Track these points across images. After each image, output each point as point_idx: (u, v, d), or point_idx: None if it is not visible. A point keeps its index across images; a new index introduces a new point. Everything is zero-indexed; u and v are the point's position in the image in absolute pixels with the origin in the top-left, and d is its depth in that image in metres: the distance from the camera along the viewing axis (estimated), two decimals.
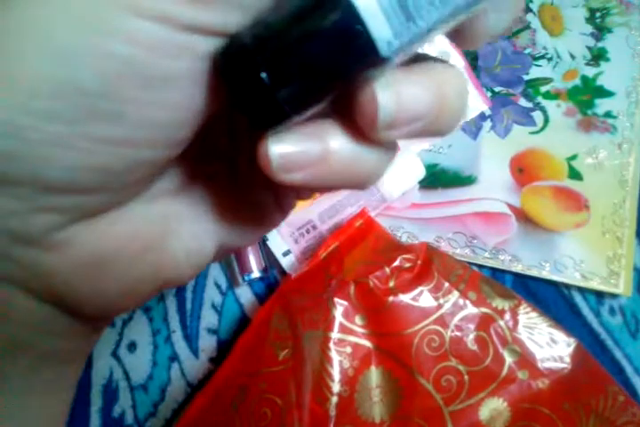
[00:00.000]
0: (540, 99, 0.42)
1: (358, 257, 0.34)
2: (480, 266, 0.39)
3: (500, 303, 0.33)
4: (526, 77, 0.43)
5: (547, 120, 0.42)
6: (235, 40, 0.11)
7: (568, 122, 0.42)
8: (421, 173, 0.40)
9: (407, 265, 0.33)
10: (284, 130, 0.11)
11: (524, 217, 0.40)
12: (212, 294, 0.40)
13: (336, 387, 0.30)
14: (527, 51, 0.43)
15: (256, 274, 0.38)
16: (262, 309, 0.35)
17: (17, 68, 0.10)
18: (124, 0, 0.10)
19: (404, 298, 0.32)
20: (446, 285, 0.32)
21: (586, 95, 0.42)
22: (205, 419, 0.33)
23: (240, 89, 0.11)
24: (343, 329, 0.31)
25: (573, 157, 0.41)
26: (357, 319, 0.32)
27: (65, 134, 0.10)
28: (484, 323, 0.32)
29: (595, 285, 0.38)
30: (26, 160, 0.10)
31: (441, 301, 0.32)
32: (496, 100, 0.42)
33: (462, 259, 0.38)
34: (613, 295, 0.38)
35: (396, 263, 0.33)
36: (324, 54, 0.10)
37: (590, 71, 0.42)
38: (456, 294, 0.32)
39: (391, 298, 0.32)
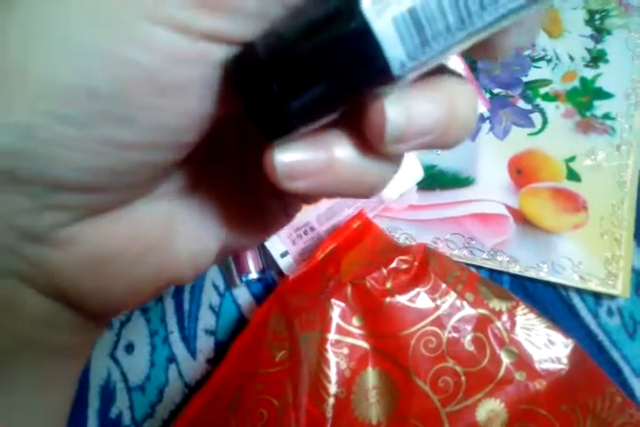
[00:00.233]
0: (538, 100, 0.42)
1: (355, 258, 0.34)
2: (478, 267, 0.39)
3: (497, 304, 0.33)
4: (525, 79, 0.43)
5: (545, 122, 0.42)
6: (247, 49, 0.11)
7: (567, 123, 0.42)
8: (419, 174, 0.40)
9: (404, 266, 0.33)
10: (291, 139, 0.12)
11: (522, 218, 0.40)
12: (209, 295, 0.40)
13: (333, 388, 0.30)
14: (526, 52, 0.43)
15: (254, 275, 0.38)
16: (260, 310, 0.35)
17: (32, 68, 0.10)
18: (142, 7, 0.10)
19: (401, 299, 0.32)
20: (443, 286, 0.32)
21: (585, 97, 0.42)
22: (203, 420, 0.33)
23: (250, 98, 0.11)
24: (340, 330, 0.31)
25: (572, 159, 0.41)
26: (354, 320, 0.32)
27: (75, 136, 0.10)
28: (482, 324, 0.32)
29: (593, 286, 0.38)
30: (36, 159, 0.10)
31: (438, 302, 0.32)
32: (495, 101, 0.42)
33: (460, 260, 0.38)
34: (611, 297, 0.38)
35: (393, 265, 0.33)
36: (336, 70, 0.10)
37: (589, 73, 0.42)
38: (453, 295, 0.32)
39: (388, 299, 0.32)
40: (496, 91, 0.43)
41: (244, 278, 0.38)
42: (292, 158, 0.11)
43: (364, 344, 0.32)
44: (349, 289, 0.32)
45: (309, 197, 0.17)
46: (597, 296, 0.39)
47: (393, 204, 0.40)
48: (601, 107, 0.42)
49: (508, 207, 0.40)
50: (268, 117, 0.11)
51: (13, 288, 0.12)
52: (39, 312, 0.13)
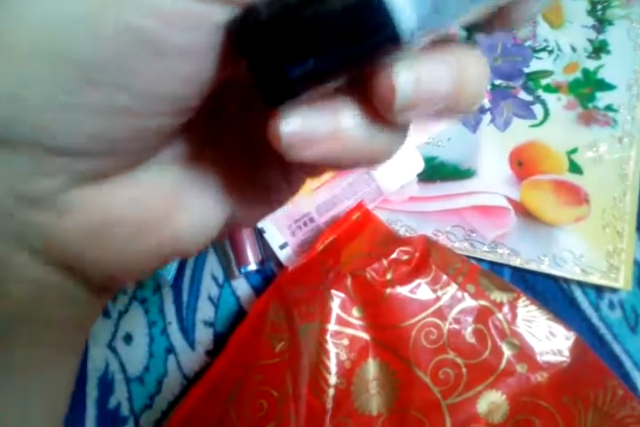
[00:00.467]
0: (540, 92, 0.42)
1: (355, 250, 0.34)
2: (478, 260, 0.39)
3: (498, 296, 0.32)
4: (527, 70, 0.42)
5: (547, 113, 0.41)
6: (250, 11, 0.10)
7: (568, 115, 0.41)
8: (420, 166, 0.39)
9: (405, 258, 0.32)
10: (296, 106, 0.11)
11: (523, 211, 0.40)
12: (208, 286, 0.39)
13: (333, 379, 0.30)
14: (528, 43, 0.43)
15: (253, 266, 0.38)
16: (259, 301, 0.35)
17: (15, 34, 0.10)
18: None
19: (402, 290, 0.31)
20: (444, 277, 0.32)
21: (587, 88, 0.42)
22: (201, 411, 0.33)
23: (252, 62, 0.10)
24: (340, 321, 0.31)
25: (573, 151, 0.41)
26: (354, 311, 0.32)
27: (63, 102, 0.10)
28: (483, 316, 0.32)
29: (594, 279, 0.38)
30: (26, 125, 0.10)
31: (439, 293, 0.32)
32: (496, 93, 0.42)
33: (461, 252, 0.38)
34: (613, 290, 0.38)
35: (394, 256, 0.32)
36: (341, 36, 0.10)
37: (591, 64, 0.42)
38: (454, 286, 0.32)
39: (388, 290, 0.31)
40: (497, 82, 0.42)
41: (243, 270, 0.38)
42: (296, 126, 0.11)
43: (365, 335, 0.31)
44: (349, 280, 0.32)
45: (314, 170, 0.16)
46: (599, 289, 0.38)
47: (393, 195, 0.40)
48: (603, 98, 0.41)
49: (510, 199, 0.40)
50: (271, 82, 0.10)
51: (14, 255, 0.12)
52: (40, 282, 0.12)
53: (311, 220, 0.38)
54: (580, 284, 0.38)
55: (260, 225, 0.38)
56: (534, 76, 0.42)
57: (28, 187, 0.11)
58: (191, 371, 0.38)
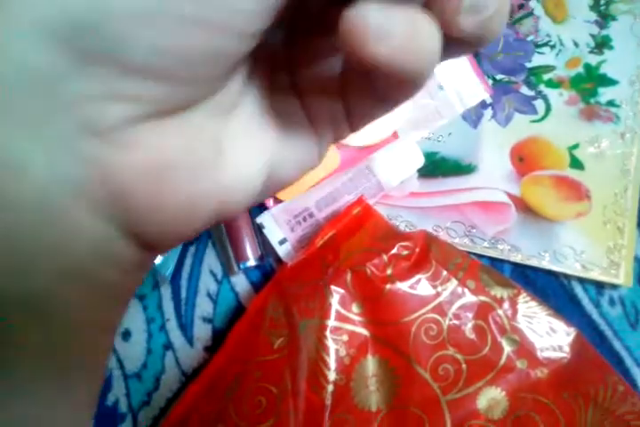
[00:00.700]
0: (542, 87, 0.42)
1: (355, 245, 0.34)
2: (479, 256, 0.38)
3: (498, 292, 0.32)
4: (529, 65, 0.42)
5: (548, 108, 0.41)
6: None
7: (570, 110, 0.41)
8: (420, 161, 0.39)
9: (405, 253, 0.32)
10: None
11: (523, 207, 0.39)
12: (207, 282, 0.39)
13: (332, 375, 0.30)
14: (530, 38, 0.42)
15: (252, 262, 0.37)
16: (258, 297, 0.35)
17: None
18: None
19: (402, 286, 0.31)
20: (444, 273, 0.32)
21: (589, 83, 0.41)
22: (200, 407, 0.33)
23: None
24: (339, 317, 0.31)
25: (575, 147, 0.40)
26: (354, 307, 0.32)
27: (150, 9, 0.10)
28: (483, 311, 0.31)
29: (595, 275, 0.37)
30: (108, 36, 0.10)
31: (439, 289, 0.31)
32: (497, 87, 0.42)
33: (461, 248, 0.38)
34: (613, 286, 0.38)
35: (394, 251, 0.32)
36: None
37: (594, 59, 0.42)
38: (454, 282, 0.32)
39: (388, 286, 0.31)
40: (499, 77, 0.42)
41: (242, 266, 0.37)
42: (374, 13, 0.10)
43: (364, 331, 0.31)
44: (349, 276, 0.32)
45: (361, 110, 0.15)
46: (599, 285, 0.38)
47: (393, 191, 0.40)
48: (605, 94, 0.41)
49: (510, 195, 0.40)
50: None
51: (73, 203, 0.11)
52: (90, 234, 0.11)
53: (310, 215, 0.38)
54: (581, 280, 0.38)
55: (259, 220, 0.38)
56: (536, 71, 0.42)
57: (93, 113, 0.10)
58: (189, 367, 0.38)
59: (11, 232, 0.10)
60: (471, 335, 0.31)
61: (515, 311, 0.32)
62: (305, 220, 0.38)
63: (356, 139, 0.40)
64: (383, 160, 0.38)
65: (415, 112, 0.41)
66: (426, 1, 0.11)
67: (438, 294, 0.31)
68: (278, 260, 0.38)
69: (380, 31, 0.10)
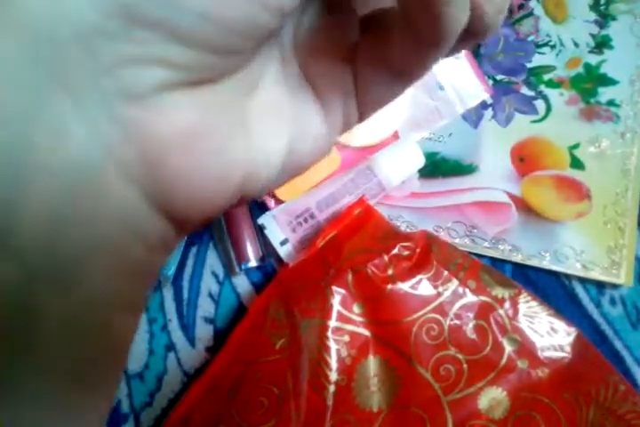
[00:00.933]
0: (542, 87, 0.42)
1: (356, 245, 0.34)
2: (480, 256, 0.38)
3: (499, 292, 0.32)
4: (529, 65, 0.42)
5: (549, 108, 0.41)
6: None
7: (570, 110, 0.41)
8: (421, 161, 0.39)
9: (406, 253, 0.32)
10: None
11: (524, 207, 0.40)
12: (208, 283, 0.39)
13: (333, 376, 0.30)
14: (530, 38, 0.42)
15: (253, 263, 0.37)
16: (259, 298, 0.35)
17: None
18: None
19: (403, 286, 0.31)
20: (445, 273, 0.32)
21: (589, 83, 0.42)
22: (201, 408, 0.33)
23: None
24: (341, 318, 0.31)
25: (575, 146, 0.40)
26: (355, 308, 0.32)
27: None
28: (484, 311, 0.32)
29: (596, 275, 0.38)
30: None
31: (440, 289, 0.32)
32: (498, 88, 0.42)
33: (462, 248, 0.38)
34: (614, 286, 0.38)
35: (395, 251, 0.32)
36: None
37: (594, 59, 0.42)
38: (455, 282, 0.32)
39: (389, 286, 0.31)
40: (499, 77, 0.42)
41: (243, 266, 0.37)
42: None
43: (365, 332, 0.31)
44: (350, 276, 0.32)
45: (389, 88, 0.16)
46: (600, 285, 0.38)
47: (394, 191, 0.40)
48: (605, 93, 0.41)
49: (511, 195, 0.40)
50: None
51: (102, 165, 0.11)
52: (120, 203, 0.11)
53: (312, 216, 0.38)
54: (582, 280, 0.38)
55: (260, 221, 0.38)
56: (536, 72, 0.42)
57: (132, 76, 0.10)
58: (191, 368, 0.38)
59: (51, 198, 0.10)
60: (472, 335, 0.31)
61: (516, 311, 0.32)
62: (306, 221, 0.38)
63: (357, 139, 0.40)
64: (384, 160, 0.38)
65: (415, 112, 0.41)
66: None
67: (439, 295, 0.31)
68: (279, 260, 0.38)
69: None
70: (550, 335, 0.31)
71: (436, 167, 0.40)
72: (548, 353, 0.31)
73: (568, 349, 0.31)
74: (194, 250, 0.40)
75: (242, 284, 0.39)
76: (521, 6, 0.43)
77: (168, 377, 0.38)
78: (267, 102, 0.14)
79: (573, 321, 0.33)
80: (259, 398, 0.31)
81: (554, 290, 0.38)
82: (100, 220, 0.11)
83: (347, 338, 0.31)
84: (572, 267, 0.38)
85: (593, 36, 0.42)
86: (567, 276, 0.38)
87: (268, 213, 0.38)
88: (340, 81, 0.15)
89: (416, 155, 0.39)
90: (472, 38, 0.13)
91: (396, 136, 0.41)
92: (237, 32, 0.11)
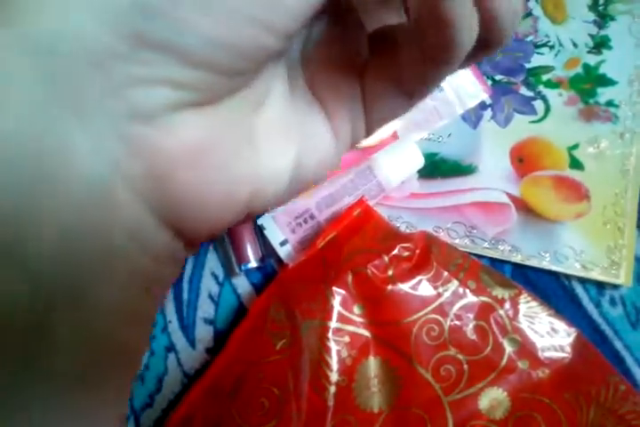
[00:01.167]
0: (541, 87, 0.42)
1: (356, 246, 0.34)
2: (479, 256, 0.38)
3: (500, 292, 0.32)
4: (528, 66, 0.42)
5: (548, 109, 0.41)
6: None
7: (569, 111, 0.41)
8: (420, 162, 0.39)
9: (406, 254, 0.32)
10: None
11: (524, 207, 0.40)
12: (208, 284, 0.39)
13: (334, 377, 0.30)
14: (529, 38, 0.42)
15: (253, 264, 0.37)
16: (259, 299, 0.35)
17: None
18: None
19: (403, 287, 0.31)
20: (445, 274, 0.32)
21: (588, 84, 0.42)
22: (202, 409, 0.33)
23: None
24: (341, 318, 0.31)
25: (574, 147, 0.40)
26: (355, 309, 0.32)
27: (210, 1, 0.10)
28: (484, 312, 0.32)
29: (595, 275, 0.38)
30: (166, 20, 0.10)
31: (440, 290, 0.32)
32: (497, 88, 0.42)
33: (461, 249, 0.38)
34: (614, 286, 0.38)
35: (395, 252, 0.32)
36: None
37: (592, 59, 0.42)
38: (455, 282, 0.32)
39: (390, 287, 0.31)
40: (498, 77, 0.42)
41: (243, 267, 0.37)
42: None
43: (366, 332, 0.31)
44: (350, 277, 0.32)
45: (394, 101, 0.16)
46: (600, 285, 0.38)
47: (394, 192, 0.40)
48: (604, 94, 0.41)
49: (510, 196, 0.40)
50: None
51: (118, 189, 0.11)
52: (128, 217, 0.12)
53: (311, 216, 0.38)
54: (581, 280, 0.38)
55: (260, 222, 0.38)
56: (535, 72, 0.42)
57: (141, 96, 0.11)
58: (191, 369, 0.38)
59: (61, 214, 0.10)
60: (472, 336, 0.31)
61: (516, 312, 0.32)
62: (306, 221, 0.38)
63: None
64: (383, 161, 0.38)
65: (415, 113, 0.41)
66: None
67: (439, 295, 0.31)
68: (279, 261, 0.38)
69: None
70: (550, 336, 0.31)
71: (436, 168, 0.41)
72: (548, 354, 0.31)
73: (568, 349, 0.31)
74: None
75: (242, 285, 0.39)
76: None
77: (168, 378, 0.38)
78: (273, 119, 0.14)
79: (573, 321, 0.33)
80: (259, 398, 0.31)
81: (553, 290, 0.38)
82: (109, 233, 0.11)
83: (347, 339, 0.31)
84: (572, 267, 0.38)
85: (592, 36, 0.42)
86: (567, 276, 0.38)
87: (267, 213, 0.38)
88: (347, 96, 0.15)
89: (415, 155, 0.39)
90: (484, 49, 0.13)
91: (395, 137, 0.41)
92: (243, 54, 0.11)
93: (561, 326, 0.32)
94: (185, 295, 0.39)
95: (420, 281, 0.32)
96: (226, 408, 0.32)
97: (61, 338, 0.11)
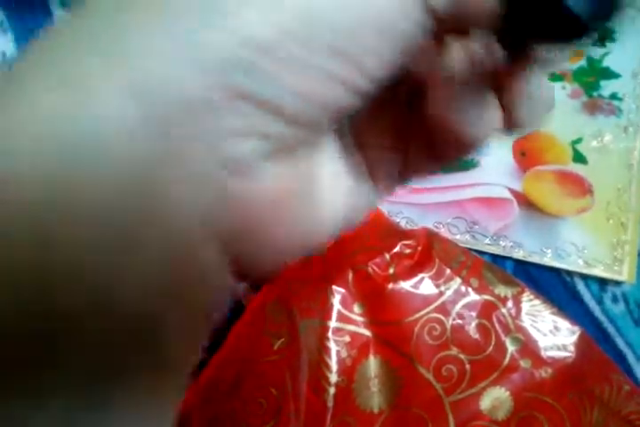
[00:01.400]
0: None
1: (357, 244, 0.33)
2: (480, 252, 0.38)
3: (502, 290, 0.32)
4: None
5: None
6: None
7: (573, 104, 0.40)
8: None
9: (407, 251, 0.32)
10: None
11: (526, 202, 0.39)
12: None
13: (334, 377, 0.29)
14: None
15: None
16: (257, 296, 0.34)
17: None
18: None
19: (405, 285, 0.31)
20: (448, 271, 0.31)
21: (591, 77, 0.41)
22: (199, 409, 0.33)
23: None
24: (341, 318, 0.30)
25: (578, 141, 0.40)
26: (356, 307, 0.31)
27: (308, 62, 0.11)
28: (486, 310, 0.31)
29: (598, 271, 0.37)
30: (264, 76, 0.11)
31: (442, 288, 0.31)
32: None
33: (462, 245, 0.37)
34: (616, 283, 0.37)
35: (396, 249, 0.32)
36: None
37: (596, 52, 0.41)
38: (458, 280, 0.31)
39: (391, 285, 0.31)
40: None
41: None
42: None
43: (366, 332, 0.31)
44: (350, 275, 0.31)
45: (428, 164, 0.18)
46: (602, 282, 0.38)
47: None
48: (608, 87, 0.40)
49: (512, 191, 0.39)
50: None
51: (194, 230, 0.11)
52: (202, 260, 0.12)
53: None
54: (583, 276, 0.38)
55: None
56: None
57: (231, 147, 0.11)
58: None
59: (144, 264, 0.11)
60: (475, 335, 0.30)
61: (519, 310, 0.31)
62: None
63: None
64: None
65: None
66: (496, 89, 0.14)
67: (441, 294, 0.31)
68: None
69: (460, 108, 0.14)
70: (553, 334, 0.31)
71: None
72: (551, 353, 0.31)
73: (572, 348, 0.31)
74: None
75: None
76: None
77: None
78: (329, 172, 0.15)
79: (575, 318, 0.32)
80: (257, 399, 0.31)
81: (555, 287, 0.38)
82: (186, 279, 0.12)
83: (347, 338, 0.30)
84: (574, 263, 0.37)
85: None
86: (569, 273, 0.38)
87: None
88: (389, 153, 0.17)
89: None
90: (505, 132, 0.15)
91: None
92: (327, 110, 0.12)
93: (564, 324, 0.31)
94: None
95: (422, 279, 0.31)
96: (223, 408, 0.32)
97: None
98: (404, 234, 0.33)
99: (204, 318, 0.13)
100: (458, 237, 0.38)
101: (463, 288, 0.31)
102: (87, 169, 0.10)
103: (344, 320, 0.30)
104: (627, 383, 0.30)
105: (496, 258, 0.38)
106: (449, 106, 0.14)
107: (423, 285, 0.31)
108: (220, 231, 0.12)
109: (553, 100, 0.15)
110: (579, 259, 0.38)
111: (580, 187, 0.39)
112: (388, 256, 0.31)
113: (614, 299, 0.37)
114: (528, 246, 0.38)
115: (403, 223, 0.38)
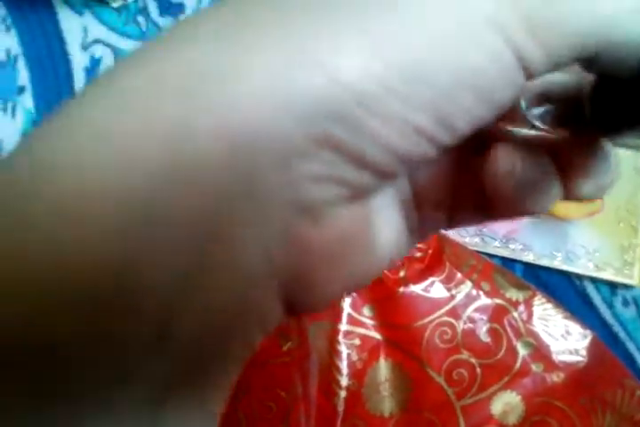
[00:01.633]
0: None
1: None
2: (490, 255, 0.38)
3: (514, 294, 0.31)
4: None
5: None
6: None
7: None
8: None
9: (418, 255, 0.32)
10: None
11: None
12: None
13: (344, 381, 0.29)
14: None
15: None
16: None
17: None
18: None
19: (415, 289, 0.31)
20: (459, 275, 0.31)
21: None
22: None
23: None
24: (351, 320, 0.30)
25: None
26: (366, 310, 0.31)
27: (396, 115, 0.11)
28: (498, 314, 0.31)
29: (608, 275, 0.37)
30: (354, 127, 0.11)
31: (453, 291, 0.31)
32: None
33: (472, 248, 0.37)
34: (627, 286, 0.37)
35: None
36: None
37: None
38: (469, 284, 0.31)
39: (402, 289, 0.30)
40: None
41: None
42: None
43: (376, 335, 0.30)
44: None
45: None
46: (612, 286, 0.38)
47: None
48: None
49: None
50: None
51: (260, 276, 0.12)
52: (260, 303, 0.12)
53: None
54: (593, 280, 0.38)
55: None
56: None
57: (308, 193, 0.11)
58: None
59: (207, 299, 0.11)
60: (486, 339, 0.30)
61: (530, 314, 0.31)
62: None
63: None
64: None
65: None
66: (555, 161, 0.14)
67: (452, 297, 0.31)
68: None
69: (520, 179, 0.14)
70: (565, 339, 0.31)
71: None
72: (562, 357, 0.30)
73: (583, 352, 0.31)
74: None
75: None
76: None
77: None
78: (385, 216, 0.15)
79: (585, 322, 0.32)
80: (266, 402, 0.30)
81: (565, 291, 0.38)
82: (239, 322, 0.12)
83: (357, 341, 0.30)
84: (584, 267, 0.37)
85: None
86: (579, 276, 0.38)
87: None
88: (433, 216, 0.17)
89: None
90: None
91: None
92: (405, 160, 0.12)
93: (576, 328, 0.31)
94: None
95: (433, 282, 0.31)
96: (231, 410, 0.31)
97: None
98: None
99: (252, 346, 0.14)
100: (467, 239, 0.38)
101: (474, 292, 0.31)
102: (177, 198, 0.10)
103: (354, 323, 0.30)
104: (639, 388, 0.30)
105: (505, 261, 0.38)
106: (509, 170, 0.14)
107: (434, 288, 0.31)
108: (280, 272, 0.12)
109: (616, 172, 0.14)
110: (589, 262, 0.37)
111: None
112: None
113: (625, 303, 0.37)
114: (538, 249, 0.38)
115: None
